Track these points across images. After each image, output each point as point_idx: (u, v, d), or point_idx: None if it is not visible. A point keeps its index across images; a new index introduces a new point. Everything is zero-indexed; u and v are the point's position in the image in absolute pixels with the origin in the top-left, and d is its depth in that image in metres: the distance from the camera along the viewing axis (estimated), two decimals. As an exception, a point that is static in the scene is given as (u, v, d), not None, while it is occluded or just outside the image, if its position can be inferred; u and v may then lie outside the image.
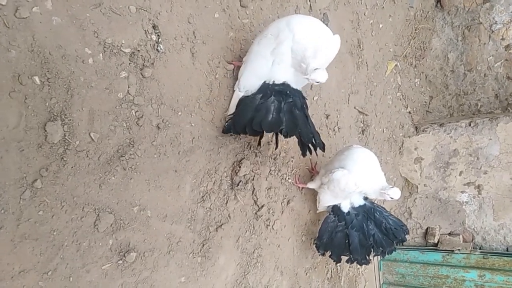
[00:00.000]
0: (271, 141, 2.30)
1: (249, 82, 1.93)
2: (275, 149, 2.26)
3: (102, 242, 1.58)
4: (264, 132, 1.92)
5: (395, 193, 2.18)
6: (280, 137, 1.95)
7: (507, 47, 3.44)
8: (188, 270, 1.90)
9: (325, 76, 1.82)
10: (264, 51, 1.89)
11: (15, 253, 1.34)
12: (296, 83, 1.95)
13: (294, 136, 1.87)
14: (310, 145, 1.91)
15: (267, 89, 1.89)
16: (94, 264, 1.55)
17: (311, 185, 2.46)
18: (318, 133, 1.97)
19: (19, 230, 1.35)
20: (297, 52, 1.84)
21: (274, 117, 1.81)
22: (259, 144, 2.17)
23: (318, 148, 1.94)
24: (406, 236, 2.40)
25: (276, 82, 1.90)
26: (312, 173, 2.60)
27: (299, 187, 2.54)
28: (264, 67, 1.90)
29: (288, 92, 1.88)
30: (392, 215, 2.46)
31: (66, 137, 1.45)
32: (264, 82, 1.91)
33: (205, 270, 1.97)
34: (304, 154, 1.95)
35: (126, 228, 1.65)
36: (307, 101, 1.99)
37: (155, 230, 1.76)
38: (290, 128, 1.82)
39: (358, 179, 2.20)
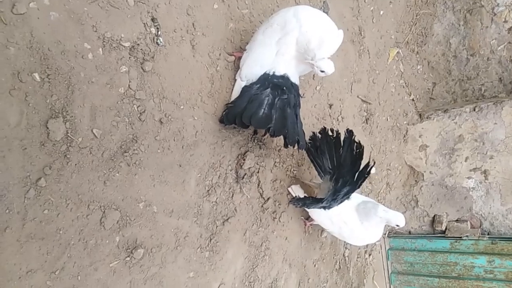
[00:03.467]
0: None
1: (252, 71, 1.90)
2: (263, 136, 2.22)
3: (109, 239, 1.57)
4: None
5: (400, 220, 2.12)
6: None
7: (510, 30, 3.38)
8: (196, 265, 1.89)
9: (332, 67, 1.81)
10: (269, 41, 1.87)
11: (21, 253, 1.33)
12: (295, 77, 1.94)
13: None
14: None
15: (266, 80, 1.87)
16: (101, 262, 1.54)
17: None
18: (304, 133, 1.97)
19: (24, 229, 1.34)
20: (302, 43, 1.82)
21: (265, 113, 1.79)
22: (264, 134, 2.15)
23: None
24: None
25: (277, 74, 1.88)
26: (305, 224, 2.53)
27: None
28: (267, 57, 1.88)
29: (284, 88, 1.87)
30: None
31: (69, 134, 1.43)
32: (265, 73, 1.89)
33: (213, 264, 1.96)
34: (286, 146, 1.94)
35: (133, 225, 1.64)
36: (302, 98, 1.98)
37: (162, 226, 1.74)
38: (278, 127, 1.80)
39: None
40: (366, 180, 2.37)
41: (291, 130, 1.84)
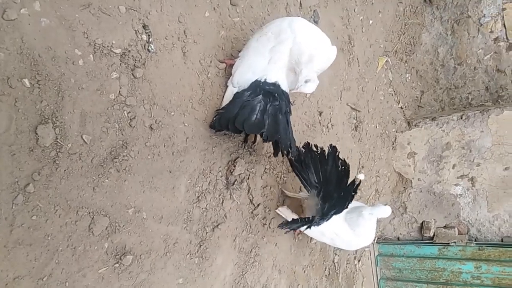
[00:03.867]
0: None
1: (244, 77, 1.92)
2: (252, 144, 2.23)
3: (98, 245, 1.56)
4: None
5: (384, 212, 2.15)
6: None
7: (495, 40, 3.47)
8: (186, 271, 1.88)
9: (313, 88, 1.88)
10: (263, 49, 1.90)
11: (9, 259, 1.32)
12: (286, 85, 1.97)
13: None
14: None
15: (257, 87, 1.89)
16: (90, 268, 1.53)
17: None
18: (295, 140, 1.99)
19: (12, 235, 1.33)
20: (294, 54, 1.86)
21: (258, 118, 1.81)
22: (254, 141, 2.17)
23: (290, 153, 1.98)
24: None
25: (268, 81, 1.90)
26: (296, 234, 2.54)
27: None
28: (260, 64, 1.90)
29: (276, 95, 1.89)
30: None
31: (58, 140, 1.43)
32: (256, 79, 1.91)
33: (203, 270, 1.96)
34: (275, 155, 1.99)
35: (122, 231, 1.63)
36: (293, 106, 2.00)
37: (151, 232, 1.74)
38: (271, 132, 1.82)
39: None
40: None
41: (283, 136, 1.86)
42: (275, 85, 1.91)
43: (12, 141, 1.32)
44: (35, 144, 1.38)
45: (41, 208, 1.40)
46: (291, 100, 2.01)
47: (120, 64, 1.64)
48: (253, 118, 1.80)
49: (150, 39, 1.74)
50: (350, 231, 2.22)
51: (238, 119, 1.78)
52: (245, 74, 1.94)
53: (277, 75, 1.92)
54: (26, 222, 1.36)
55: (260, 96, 1.86)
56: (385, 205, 2.18)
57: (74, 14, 1.48)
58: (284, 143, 1.86)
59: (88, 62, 1.52)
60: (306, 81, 1.86)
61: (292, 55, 1.87)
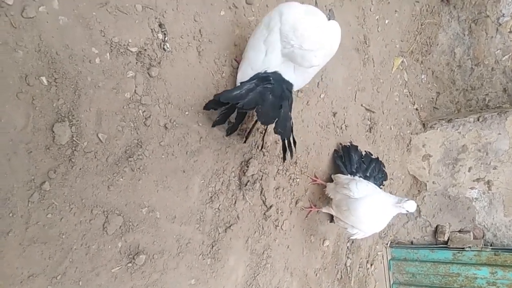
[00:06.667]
0: (278, 141, 2.27)
1: (245, 75, 1.85)
2: (260, 149, 2.20)
3: (111, 244, 1.56)
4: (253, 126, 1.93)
5: (411, 206, 2.16)
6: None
7: (515, 40, 3.40)
8: (198, 272, 1.87)
9: (320, 60, 1.85)
10: (258, 43, 1.83)
11: (24, 257, 1.32)
12: (288, 74, 1.88)
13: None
14: (287, 143, 1.86)
15: (255, 77, 1.82)
16: (103, 267, 1.53)
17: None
18: (291, 126, 1.85)
19: (27, 233, 1.33)
20: (283, 34, 1.76)
21: (241, 93, 1.70)
22: (261, 147, 2.15)
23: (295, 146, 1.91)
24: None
25: (268, 71, 1.83)
26: (316, 182, 2.58)
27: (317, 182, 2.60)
28: (258, 59, 1.83)
29: (271, 78, 1.80)
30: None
31: (74, 138, 1.43)
32: (257, 73, 1.84)
33: (215, 271, 1.95)
34: (284, 159, 1.97)
35: (135, 230, 1.63)
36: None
37: (164, 232, 1.73)
38: (247, 103, 1.68)
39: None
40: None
41: (267, 111, 1.72)
42: (275, 74, 1.84)
43: (29, 138, 1.33)
44: (51, 142, 1.38)
45: (56, 206, 1.40)
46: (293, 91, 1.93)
47: (136, 63, 1.63)
48: (234, 93, 1.69)
49: (166, 38, 1.73)
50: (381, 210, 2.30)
51: (218, 94, 1.68)
52: (246, 72, 1.88)
53: (277, 65, 1.85)
54: (41, 220, 1.36)
55: (254, 81, 1.79)
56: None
57: (91, 12, 1.48)
58: (264, 118, 1.72)
59: (104, 60, 1.52)
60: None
61: (282, 36, 1.77)
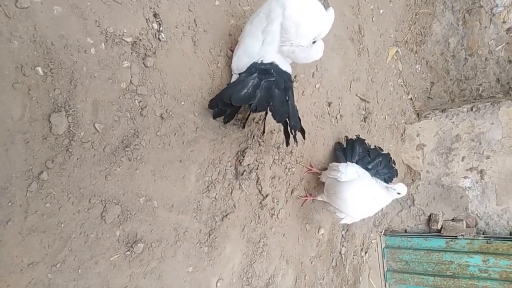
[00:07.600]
0: (273, 130, 2.29)
1: (241, 62, 1.87)
2: (262, 134, 2.22)
3: (110, 233, 1.58)
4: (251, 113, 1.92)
5: (402, 188, 2.21)
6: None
7: (508, 30, 3.41)
8: (195, 260, 1.90)
9: (321, 53, 1.87)
10: (256, 30, 1.83)
11: (23, 245, 1.34)
12: (285, 65, 1.91)
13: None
14: (290, 131, 1.86)
15: (253, 67, 1.84)
16: (102, 256, 1.55)
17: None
18: (299, 118, 1.91)
19: (26, 222, 1.35)
20: (286, 29, 1.79)
21: (249, 92, 1.73)
22: (263, 132, 2.17)
23: (297, 132, 1.89)
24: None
25: (265, 62, 1.84)
26: (311, 172, 2.60)
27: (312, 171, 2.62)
28: (255, 47, 1.85)
29: (272, 71, 1.83)
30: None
31: (71, 128, 1.44)
32: (253, 62, 1.86)
33: (212, 259, 1.98)
34: (287, 143, 1.92)
35: (133, 219, 1.65)
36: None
37: (162, 221, 1.75)
38: (261, 103, 1.73)
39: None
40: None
41: (279, 108, 1.78)
42: (272, 65, 1.85)
43: (26, 129, 1.33)
44: (48, 132, 1.39)
45: (54, 195, 1.41)
46: (292, 79, 1.95)
47: (131, 53, 1.63)
48: (243, 92, 1.73)
49: (161, 28, 1.73)
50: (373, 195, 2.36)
51: (226, 93, 1.72)
52: (241, 59, 1.89)
53: (274, 56, 1.86)
54: (40, 209, 1.38)
55: (255, 74, 1.80)
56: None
57: (86, 2, 1.48)
58: (278, 116, 1.77)
59: (99, 50, 1.52)
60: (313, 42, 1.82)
61: (283, 31, 1.79)
